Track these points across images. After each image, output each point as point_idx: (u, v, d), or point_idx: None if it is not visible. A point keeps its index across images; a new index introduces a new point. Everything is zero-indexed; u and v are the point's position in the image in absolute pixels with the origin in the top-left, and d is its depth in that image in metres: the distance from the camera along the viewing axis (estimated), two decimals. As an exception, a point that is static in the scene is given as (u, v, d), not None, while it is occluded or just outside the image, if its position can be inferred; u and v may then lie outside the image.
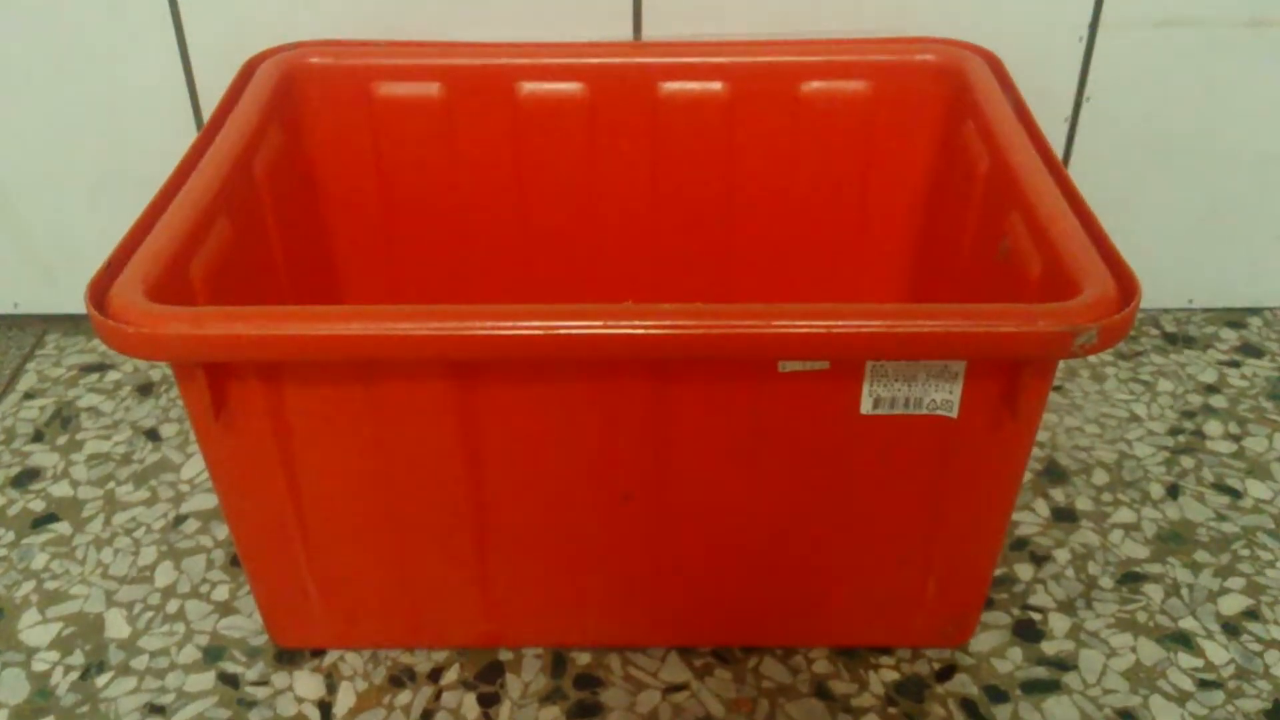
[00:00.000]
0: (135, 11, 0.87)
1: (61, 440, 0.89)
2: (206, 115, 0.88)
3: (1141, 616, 0.75)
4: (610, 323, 0.54)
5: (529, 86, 0.83)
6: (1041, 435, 0.89)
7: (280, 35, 0.85)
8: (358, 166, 0.84)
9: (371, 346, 0.55)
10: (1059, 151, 0.95)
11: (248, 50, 0.83)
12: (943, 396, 0.59)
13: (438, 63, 0.83)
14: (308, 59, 0.82)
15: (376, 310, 0.55)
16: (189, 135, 0.90)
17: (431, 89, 0.83)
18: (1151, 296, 1.03)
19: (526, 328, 0.54)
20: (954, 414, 0.60)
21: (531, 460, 0.62)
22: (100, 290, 0.56)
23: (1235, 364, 0.97)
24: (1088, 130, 0.94)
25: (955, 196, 0.78)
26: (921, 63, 0.82)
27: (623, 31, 0.89)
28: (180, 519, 0.82)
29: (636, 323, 0.54)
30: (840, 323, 0.54)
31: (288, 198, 0.77)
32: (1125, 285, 0.57)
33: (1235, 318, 1.02)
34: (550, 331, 0.54)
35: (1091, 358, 0.97)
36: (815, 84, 0.82)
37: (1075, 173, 0.95)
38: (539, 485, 0.64)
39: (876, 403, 0.60)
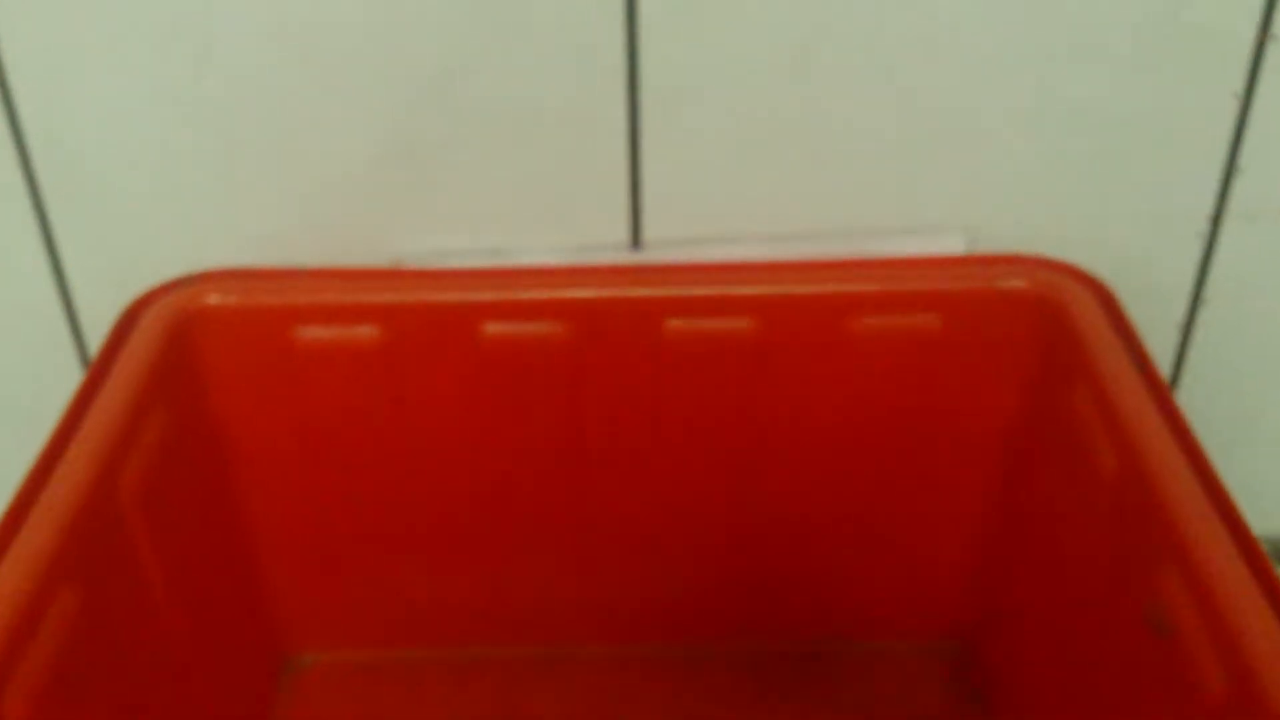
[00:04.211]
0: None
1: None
2: (90, 340, 0.70)
3: None
4: None
5: (495, 327, 0.64)
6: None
7: (181, 259, 0.66)
8: (277, 437, 0.65)
9: None
10: (1168, 364, 0.76)
11: (136, 275, 0.64)
12: None
13: (377, 299, 0.64)
14: (204, 298, 0.63)
15: None
16: (72, 367, 0.72)
17: (369, 332, 0.64)
18: None
19: None
20: None
21: None
22: None
23: (1390, 613, 0.78)
24: (1204, 336, 0.75)
25: (1064, 499, 0.58)
26: (1005, 291, 0.63)
27: (619, 234, 0.70)
28: None
29: None
30: None
31: (177, 509, 0.59)
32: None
33: (1380, 542, 0.83)
34: None
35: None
36: (866, 319, 0.63)
37: (1188, 386, 0.77)
38: None
39: None
